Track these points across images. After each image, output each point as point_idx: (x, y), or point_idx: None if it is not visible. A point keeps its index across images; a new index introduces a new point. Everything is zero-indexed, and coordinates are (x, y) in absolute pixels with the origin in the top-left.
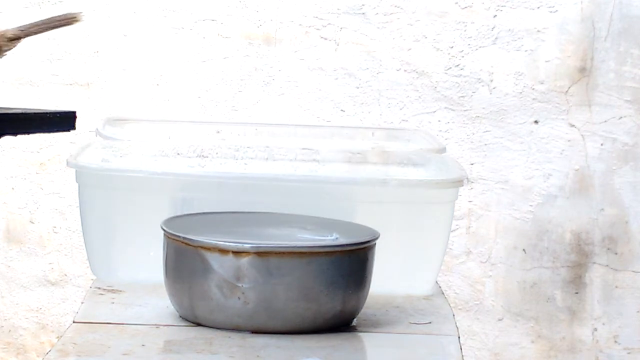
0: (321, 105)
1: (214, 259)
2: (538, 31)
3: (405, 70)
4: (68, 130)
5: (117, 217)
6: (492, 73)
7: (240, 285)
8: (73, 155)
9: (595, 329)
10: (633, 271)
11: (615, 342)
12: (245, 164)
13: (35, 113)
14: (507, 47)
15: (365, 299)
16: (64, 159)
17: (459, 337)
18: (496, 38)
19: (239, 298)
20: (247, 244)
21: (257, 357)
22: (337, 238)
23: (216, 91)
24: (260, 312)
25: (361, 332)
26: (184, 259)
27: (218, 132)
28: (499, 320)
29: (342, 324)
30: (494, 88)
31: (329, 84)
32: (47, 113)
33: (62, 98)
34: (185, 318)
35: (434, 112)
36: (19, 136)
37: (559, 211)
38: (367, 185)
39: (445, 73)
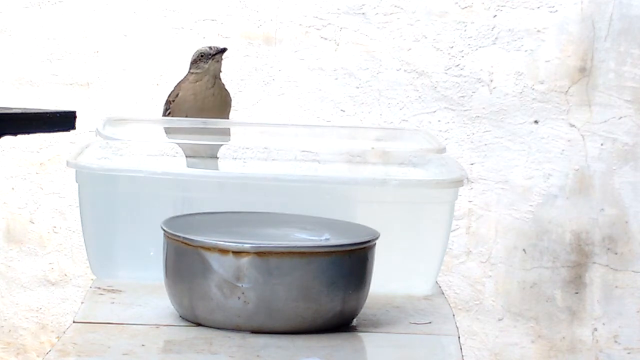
0: (321, 105)
1: (214, 259)
2: (538, 31)
3: (405, 70)
4: (68, 130)
5: (117, 217)
6: (492, 73)
7: (240, 285)
8: (73, 155)
9: (595, 329)
10: (633, 271)
11: (615, 342)
12: (245, 164)
13: (35, 113)
14: (507, 47)
15: (365, 299)
16: (64, 159)
17: (459, 337)
18: (496, 38)
19: (239, 298)
20: (247, 244)
21: (257, 357)
22: (328, 239)
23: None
24: (260, 312)
25: (361, 332)
26: (184, 259)
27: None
28: (499, 320)
29: (342, 324)
30: (494, 88)
31: (329, 84)
32: (47, 113)
33: (62, 98)
34: (185, 318)
35: (434, 112)
36: (19, 136)
37: (559, 211)
38: (367, 185)
39: (445, 73)
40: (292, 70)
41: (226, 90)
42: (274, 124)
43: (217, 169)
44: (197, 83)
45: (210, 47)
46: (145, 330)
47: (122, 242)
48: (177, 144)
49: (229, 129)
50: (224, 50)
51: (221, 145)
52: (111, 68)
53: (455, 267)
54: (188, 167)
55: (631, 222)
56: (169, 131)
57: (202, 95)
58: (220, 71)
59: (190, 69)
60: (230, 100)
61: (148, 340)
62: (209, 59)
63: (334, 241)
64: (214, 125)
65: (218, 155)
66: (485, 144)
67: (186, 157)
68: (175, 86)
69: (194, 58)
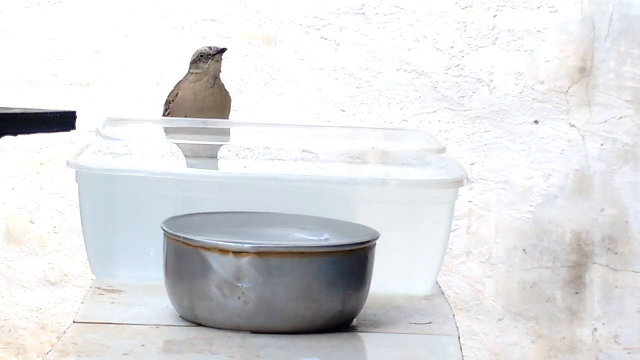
0: (321, 105)
1: (214, 259)
2: (538, 31)
3: (405, 70)
4: (68, 130)
5: (117, 217)
6: (492, 73)
7: (240, 285)
8: (73, 155)
9: (595, 329)
10: (633, 271)
11: (615, 342)
12: (245, 164)
13: (35, 113)
14: (507, 47)
15: (365, 299)
16: (64, 159)
17: (459, 337)
18: (496, 38)
19: (239, 298)
20: (247, 244)
21: (257, 357)
22: (327, 239)
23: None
24: (260, 312)
25: (361, 332)
26: (184, 259)
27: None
28: (499, 320)
29: (342, 324)
30: (494, 88)
31: (329, 84)
32: (47, 113)
33: (62, 98)
34: (185, 318)
35: (434, 112)
36: (19, 136)
37: (559, 211)
38: (367, 185)
39: (445, 73)
40: (292, 70)
41: (226, 90)
42: (274, 124)
43: (217, 168)
44: (197, 83)
45: (210, 47)
46: (145, 330)
47: (122, 242)
48: (177, 144)
49: (228, 129)
50: (223, 50)
51: (221, 145)
52: (111, 68)
53: (455, 267)
54: (188, 167)
55: (631, 222)
56: (168, 131)
57: (201, 95)
58: (220, 71)
59: (190, 69)
60: (230, 100)
61: (148, 340)
62: (208, 59)
63: (334, 241)
64: (214, 125)
65: (218, 156)
66: (485, 144)
67: (185, 157)
68: (175, 86)
69: (193, 58)
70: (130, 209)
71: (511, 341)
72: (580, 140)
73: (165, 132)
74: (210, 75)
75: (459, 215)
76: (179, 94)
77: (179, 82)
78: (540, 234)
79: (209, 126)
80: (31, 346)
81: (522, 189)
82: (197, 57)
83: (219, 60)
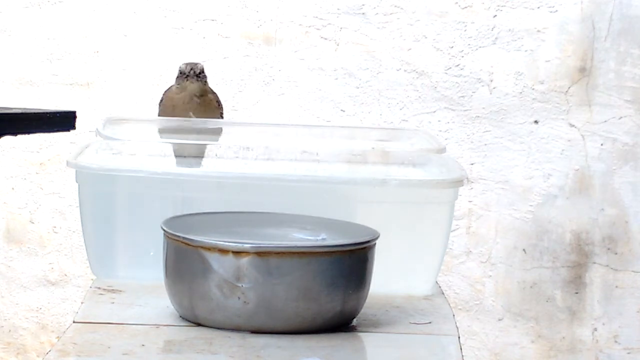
0: (321, 105)
1: (214, 259)
2: (538, 31)
3: (405, 70)
4: (68, 130)
5: (117, 217)
6: (492, 73)
7: (240, 285)
8: (73, 155)
9: (595, 329)
10: (633, 271)
11: (615, 342)
12: (245, 164)
13: (35, 113)
14: (507, 47)
15: (365, 299)
16: (64, 159)
17: (459, 337)
18: (496, 38)
19: (239, 298)
20: (247, 244)
21: (257, 357)
22: (324, 238)
23: (216, 91)
24: (260, 312)
25: (361, 332)
26: (184, 259)
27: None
28: (499, 320)
29: (342, 324)
30: (494, 88)
31: (329, 84)
32: (47, 113)
33: (62, 98)
34: (185, 318)
35: (434, 112)
36: (19, 136)
37: (559, 211)
38: (367, 185)
39: (445, 73)
40: (292, 70)
41: (214, 102)
42: (274, 124)
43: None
44: (178, 96)
45: (186, 65)
46: (145, 330)
47: (122, 242)
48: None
49: (220, 128)
50: (198, 73)
51: (212, 144)
52: (111, 68)
53: (455, 267)
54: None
55: (631, 222)
56: (165, 131)
57: (180, 109)
58: (203, 87)
59: (175, 81)
60: (218, 107)
61: (148, 340)
62: (186, 78)
63: (334, 241)
64: (215, 125)
65: (207, 155)
66: (485, 144)
67: (175, 157)
68: (163, 93)
69: (178, 72)
70: (130, 209)
71: (511, 341)
72: (580, 140)
73: (162, 132)
74: (188, 94)
75: (459, 215)
76: (162, 101)
77: (166, 90)
78: (540, 234)
79: (209, 126)
80: (31, 346)
81: (522, 189)
82: (178, 73)
83: (198, 80)
